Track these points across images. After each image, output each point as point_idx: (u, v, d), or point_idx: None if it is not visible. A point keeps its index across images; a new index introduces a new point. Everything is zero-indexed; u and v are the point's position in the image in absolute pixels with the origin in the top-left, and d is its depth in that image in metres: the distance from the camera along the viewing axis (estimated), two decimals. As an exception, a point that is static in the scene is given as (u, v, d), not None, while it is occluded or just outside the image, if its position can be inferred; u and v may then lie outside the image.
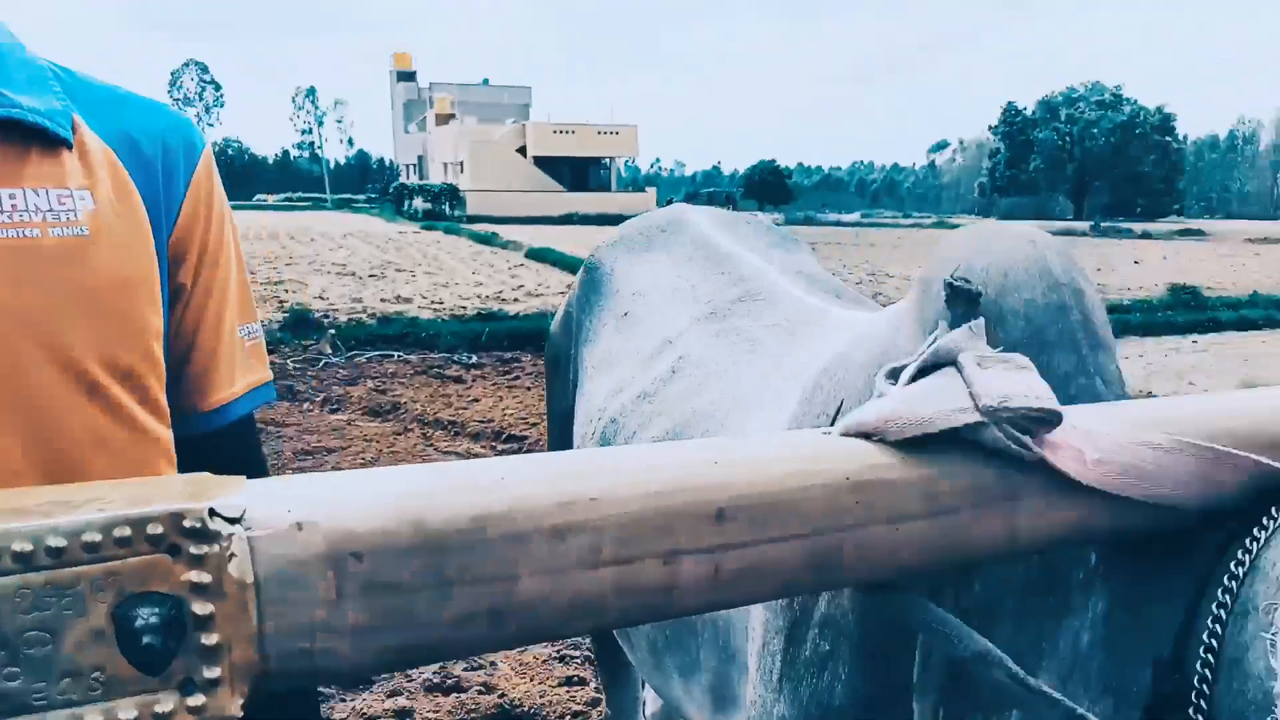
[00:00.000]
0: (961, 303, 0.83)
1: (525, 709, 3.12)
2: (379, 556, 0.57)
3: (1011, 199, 77.98)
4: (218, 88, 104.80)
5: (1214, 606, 0.77)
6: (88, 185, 0.89)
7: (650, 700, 2.47)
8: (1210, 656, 0.76)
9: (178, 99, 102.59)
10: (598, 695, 3.12)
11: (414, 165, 66.40)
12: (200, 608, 0.54)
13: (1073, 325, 0.93)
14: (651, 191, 57.16)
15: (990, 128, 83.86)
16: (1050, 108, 79.64)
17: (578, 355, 1.86)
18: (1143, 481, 0.76)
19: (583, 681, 3.26)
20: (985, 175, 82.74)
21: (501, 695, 3.18)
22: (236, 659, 0.55)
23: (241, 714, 0.56)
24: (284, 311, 11.18)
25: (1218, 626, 0.76)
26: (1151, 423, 0.78)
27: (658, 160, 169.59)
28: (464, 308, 12.28)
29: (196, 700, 0.55)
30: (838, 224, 57.30)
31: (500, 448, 6.12)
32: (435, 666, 3.32)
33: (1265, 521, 0.77)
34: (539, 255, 21.07)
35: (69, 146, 0.89)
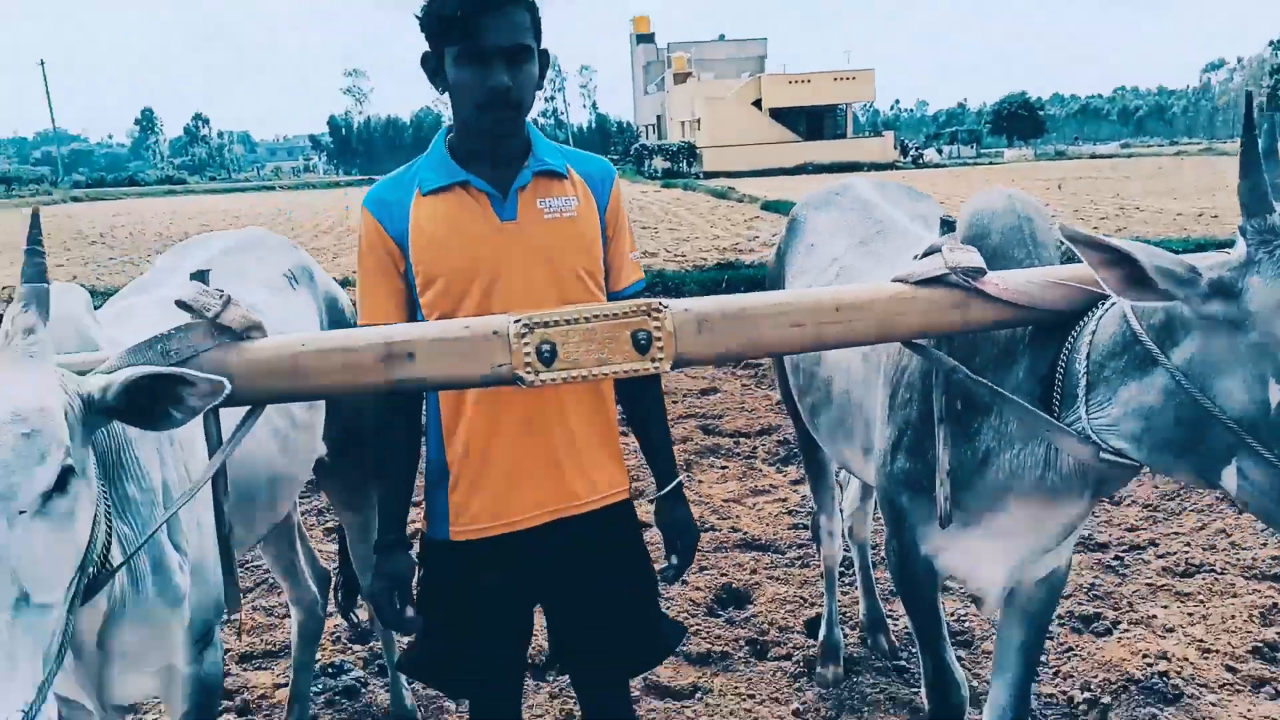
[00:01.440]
0: (945, 226, 1.84)
1: (762, 541, 4.27)
2: (711, 320, 1.69)
3: (1300, 118, 69.89)
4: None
5: (1064, 350, 1.75)
6: (574, 195, 2.05)
7: (848, 501, 3.53)
8: (1061, 373, 1.75)
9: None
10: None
11: (653, 126, 68.12)
12: (656, 334, 1.68)
13: (1025, 237, 1.92)
14: (889, 135, 55.75)
15: (1271, 43, 75.45)
16: (1352, 11, 70.35)
17: (783, 273, 3.01)
18: (1031, 296, 1.75)
19: (804, 527, 4.35)
20: (1266, 95, 74.53)
21: (744, 533, 4.34)
22: (667, 352, 1.68)
23: (670, 370, 1.69)
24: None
25: (1064, 358, 1.75)
26: (1039, 275, 1.77)
27: (897, 102, 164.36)
28: (704, 259, 13.49)
29: (655, 365, 1.69)
30: (1092, 156, 54.11)
31: (739, 371, 7.30)
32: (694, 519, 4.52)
33: (1087, 316, 1.74)
34: (773, 207, 21.45)
35: (566, 178, 2.05)
